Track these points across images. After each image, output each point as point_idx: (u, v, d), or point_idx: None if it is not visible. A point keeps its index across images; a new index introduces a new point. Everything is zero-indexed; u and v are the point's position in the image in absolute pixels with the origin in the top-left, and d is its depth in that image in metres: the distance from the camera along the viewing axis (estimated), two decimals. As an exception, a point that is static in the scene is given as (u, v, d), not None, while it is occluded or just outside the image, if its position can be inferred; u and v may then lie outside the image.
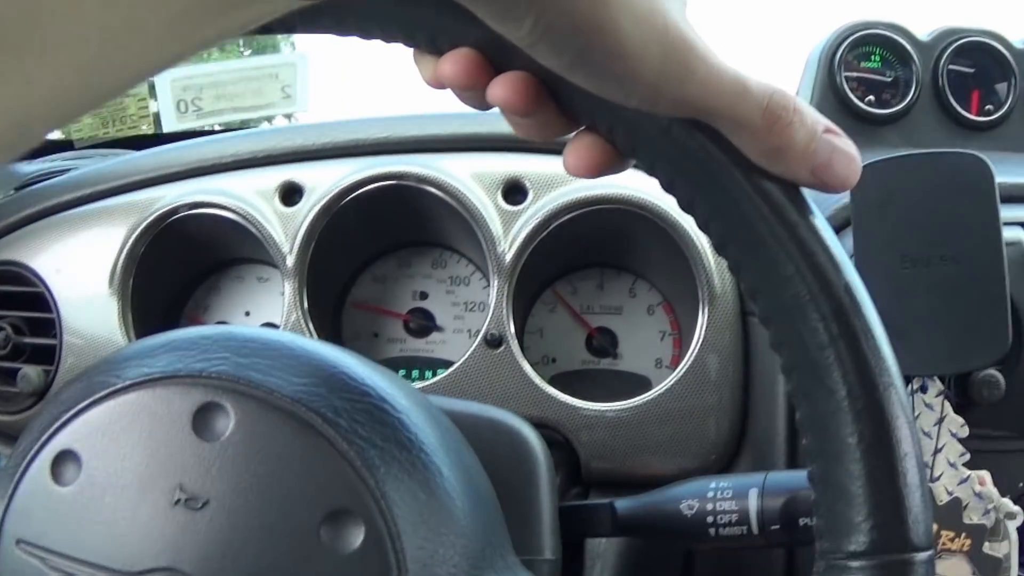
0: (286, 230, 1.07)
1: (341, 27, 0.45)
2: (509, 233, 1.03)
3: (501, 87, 0.43)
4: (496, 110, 0.45)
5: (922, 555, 0.41)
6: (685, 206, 0.45)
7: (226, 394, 0.49)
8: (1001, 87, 1.27)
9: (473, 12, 0.38)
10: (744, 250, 0.44)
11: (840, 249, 0.43)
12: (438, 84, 0.45)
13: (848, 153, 0.43)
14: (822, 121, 0.43)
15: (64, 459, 0.49)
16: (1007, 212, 0.88)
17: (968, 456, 0.86)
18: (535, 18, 0.37)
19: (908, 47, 1.24)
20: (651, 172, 0.45)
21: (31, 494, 0.50)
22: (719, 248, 0.45)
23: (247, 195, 1.10)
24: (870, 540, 0.41)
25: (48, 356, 1.13)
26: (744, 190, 0.42)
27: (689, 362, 1.00)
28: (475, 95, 0.45)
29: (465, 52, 0.43)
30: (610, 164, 0.46)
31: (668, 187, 0.45)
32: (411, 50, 0.47)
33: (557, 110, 0.44)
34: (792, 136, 0.41)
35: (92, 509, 0.49)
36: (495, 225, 1.04)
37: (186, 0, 0.27)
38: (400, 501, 0.48)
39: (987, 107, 1.26)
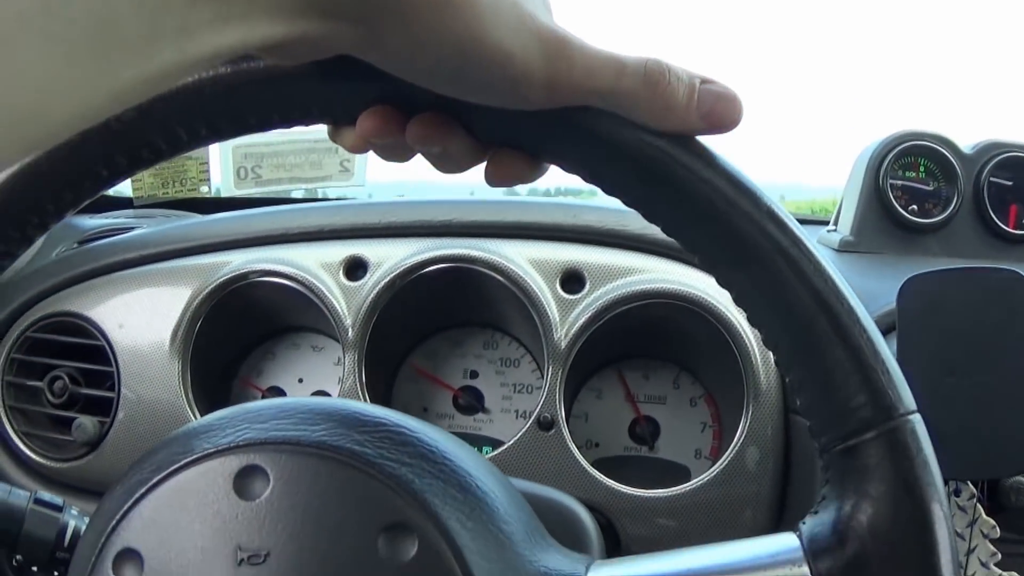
0: (349, 303, 1.11)
1: (265, 122, 0.49)
2: (566, 321, 1.06)
3: (416, 127, 0.46)
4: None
5: (910, 417, 0.43)
6: (608, 188, 0.48)
7: (258, 455, 0.51)
8: (1039, 200, 1.29)
9: (375, 65, 0.42)
10: (671, 206, 0.47)
11: (751, 180, 0.46)
12: (362, 145, 0.49)
13: (728, 95, 0.46)
14: (697, 75, 0.46)
15: (124, 558, 0.51)
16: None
17: (999, 556, 0.88)
18: (424, 54, 0.40)
19: (952, 160, 1.28)
20: (569, 169, 0.48)
21: None
22: (650, 216, 0.48)
23: (313, 267, 1.13)
24: (859, 419, 0.43)
25: (102, 407, 1.16)
26: (646, 153, 0.46)
27: (731, 455, 1.02)
28: (394, 146, 0.48)
29: (377, 108, 0.47)
30: (527, 171, 0.50)
31: (589, 177, 0.48)
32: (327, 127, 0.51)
33: (470, 139, 0.48)
34: (674, 94, 0.45)
35: None
36: (552, 312, 1.07)
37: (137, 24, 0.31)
38: (442, 505, 0.50)
39: (1024, 221, 1.29)
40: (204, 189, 1.46)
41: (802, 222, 1.66)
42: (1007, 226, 1.28)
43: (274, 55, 0.42)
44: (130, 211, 1.51)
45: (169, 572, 0.50)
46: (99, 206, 1.56)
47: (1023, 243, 1.29)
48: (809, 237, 0.45)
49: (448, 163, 0.49)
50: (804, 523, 0.46)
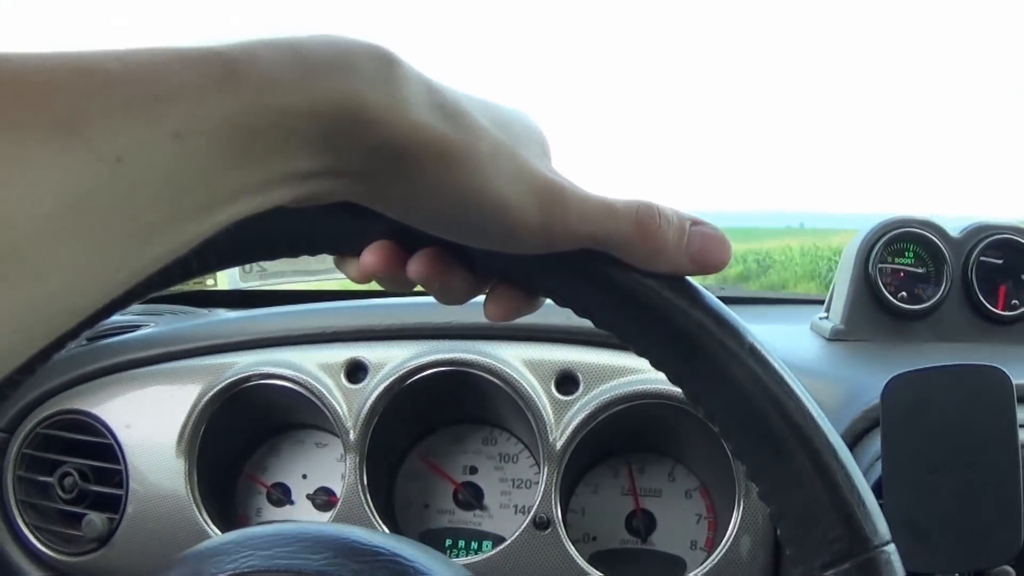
0: (350, 405, 1.13)
1: (272, 252, 0.51)
2: (560, 422, 1.09)
3: (417, 264, 0.47)
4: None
5: (885, 548, 0.44)
6: (599, 323, 0.49)
7: None
8: (1028, 280, 1.31)
9: (378, 211, 0.43)
10: (658, 343, 0.48)
11: (735, 317, 0.47)
12: (364, 278, 0.50)
13: (717, 237, 0.48)
14: (687, 217, 0.47)
15: None
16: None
17: (983, 646, 0.89)
18: (426, 205, 0.42)
19: (940, 245, 1.30)
20: (562, 303, 0.49)
21: None
22: (639, 350, 0.49)
23: (314, 370, 1.15)
24: (834, 551, 0.44)
25: (111, 504, 1.17)
26: (636, 293, 0.47)
27: (725, 547, 1.04)
28: (396, 278, 0.49)
29: (381, 243, 0.48)
30: (525, 305, 0.51)
31: (581, 312, 0.49)
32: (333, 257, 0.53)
33: (470, 273, 0.48)
34: (664, 237, 0.46)
35: None
36: (547, 414, 1.09)
37: (139, 224, 0.32)
38: None
39: (1013, 302, 1.31)
40: (210, 282, 1.48)
41: (798, 303, 1.69)
42: (996, 308, 1.30)
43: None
44: (137, 307, 1.52)
45: None
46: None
47: (1012, 324, 1.30)
48: (790, 373, 0.47)
49: (448, 296, 0.50)
50: None
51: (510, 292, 0.50)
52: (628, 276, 0.47)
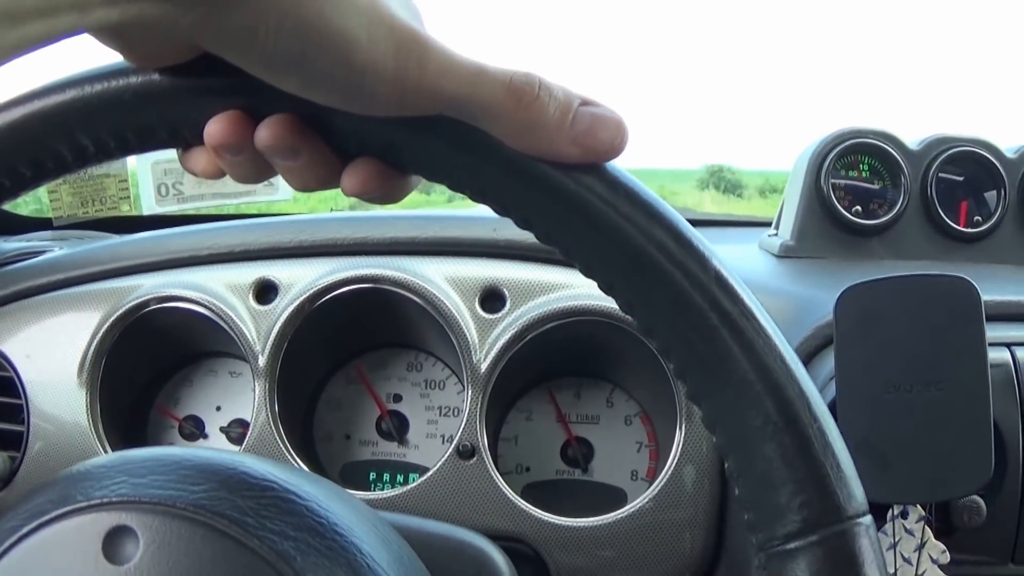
0: (259, 328, 1.06)
1: (122, 146, 0.45)
2: (485, 342, 1.02)
3: (265, 131, 0.42)
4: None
5: (861, 520, 0.39)
6: (478, 197, 0.44)
7: (130, 515, 0.47)
8: (990, 196, 1.25)
9: (212, 52, 0.39)
10: (569, 237, 0.43)
11: (695, 232, 0.41)
12: (213, 167, 0.46)
13: (611, 118, 0.41)
14: (577, 96, 0.41)
15: None
16: (992, 332, 0.86)
17: (948, 582, 0.85)
18: (263, 37, 0.37)
19: (898, 157, 1.23)
20: (434, 179, 0.44)
21: None
22: (541, 237, 0.44)
23: (221, 291, 1.08)
24: (801, 518, 0.39)
25: (14, 442, 1.10)
26: (513, 170, 0.41)
27: (667, 475, 0.98)
28: (246, 161, 0.44)
29: (224, 113, 0.43)
30: (388, 181, 0.45)
31: (455, 188, 0.44)
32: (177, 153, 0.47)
33: (326, 147, 0.44)
34: (542, 110, 0.40)
35: None
36: (471, 333, 1.02)
37: None
38: None
39: (976, 218, 1.25)
40: (125, 207, 1.40)
41: (744, 224, 1.63)
42: (957, 224, 1.24)
43: (114, 41, 0.40)
44: (47, 232, 1.45)
45: None
46: (16, 228, 1.50)
47: (974, 241, 1.24)
48: (761, 307, 0.41)
49: (305, 176, 0.45)
50: None
51: (372, 165, 0.44)
52: (504, 155, 0.41)
